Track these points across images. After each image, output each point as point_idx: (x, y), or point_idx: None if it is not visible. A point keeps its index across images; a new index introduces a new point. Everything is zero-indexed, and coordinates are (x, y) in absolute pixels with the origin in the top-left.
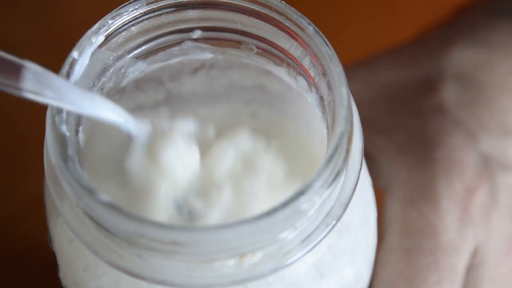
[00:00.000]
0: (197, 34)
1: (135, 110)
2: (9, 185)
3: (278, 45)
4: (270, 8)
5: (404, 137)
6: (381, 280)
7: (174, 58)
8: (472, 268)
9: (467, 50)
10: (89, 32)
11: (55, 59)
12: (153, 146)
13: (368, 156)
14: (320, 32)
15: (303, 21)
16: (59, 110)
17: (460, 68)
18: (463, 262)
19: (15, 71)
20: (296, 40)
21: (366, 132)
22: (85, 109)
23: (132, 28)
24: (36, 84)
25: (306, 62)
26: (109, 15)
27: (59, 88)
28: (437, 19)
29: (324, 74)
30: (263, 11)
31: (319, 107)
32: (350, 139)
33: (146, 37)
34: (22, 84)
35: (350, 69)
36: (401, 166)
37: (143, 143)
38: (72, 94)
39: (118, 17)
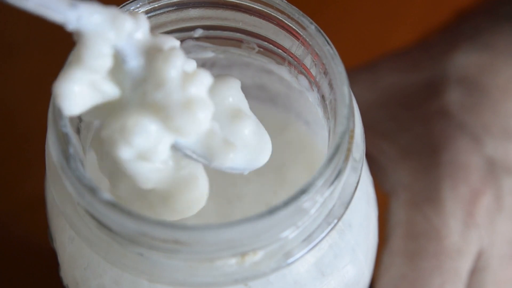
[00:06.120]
0: (199, 33)
1: None
2: (9, 185)
3: (279, 44)
4: (272, 7)
5: (409, 141)
6: (384, 282)
7: None
8: (475, 272)
9: (470, 54)
10: None
11: (55, 59)
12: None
13: (373, 159)
14: (322, 31)
15: (305, 20)
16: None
17: (464, 72)
18: (466, 265)
19: None
20: (297, 39)
21: (371, 136)
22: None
23: None
24: None
25: (308, 61)
26: None
27: None
28: (440, 23)
29: (325, 73)
30: (264, 10)
31: (320, 106)
32: (351, 138)
33: None
34: None
35: (354, 73)
36: (406, 170)
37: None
38: None
39: None
